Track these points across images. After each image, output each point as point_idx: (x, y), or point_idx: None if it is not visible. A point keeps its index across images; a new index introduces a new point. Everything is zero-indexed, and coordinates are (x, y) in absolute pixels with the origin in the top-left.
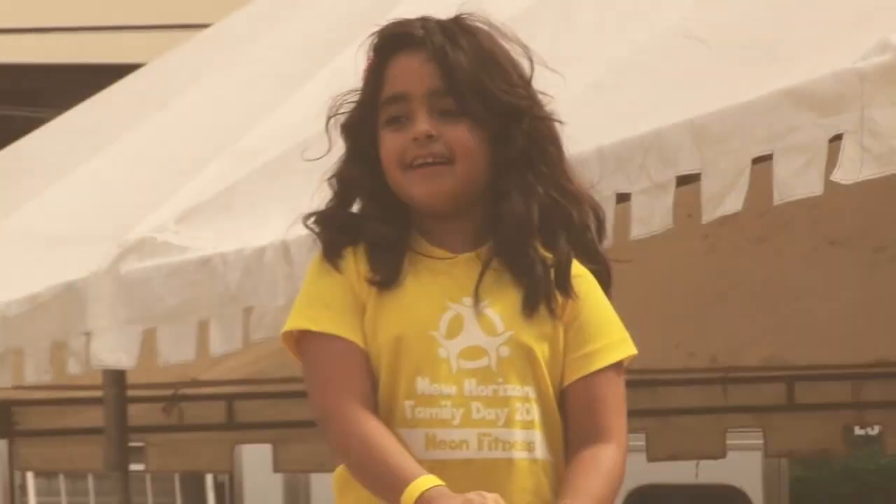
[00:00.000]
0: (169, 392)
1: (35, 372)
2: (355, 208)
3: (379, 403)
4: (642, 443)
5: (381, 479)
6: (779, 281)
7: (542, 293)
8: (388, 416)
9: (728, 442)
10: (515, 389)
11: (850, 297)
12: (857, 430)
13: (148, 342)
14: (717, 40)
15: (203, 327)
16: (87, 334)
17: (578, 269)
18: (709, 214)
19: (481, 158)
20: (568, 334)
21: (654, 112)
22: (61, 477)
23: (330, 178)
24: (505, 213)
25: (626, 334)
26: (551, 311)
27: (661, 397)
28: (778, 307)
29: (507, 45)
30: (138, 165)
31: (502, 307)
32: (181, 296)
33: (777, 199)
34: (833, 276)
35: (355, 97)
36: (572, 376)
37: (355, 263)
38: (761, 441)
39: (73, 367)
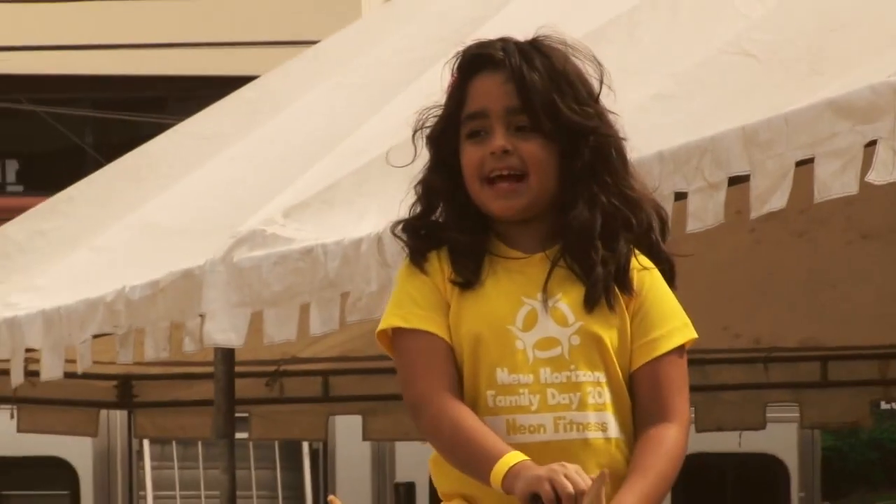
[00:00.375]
0: (272, 368)
1: (154, 349)
2: (439, 212)
3: (464, 393)
4: (692, 415)
5: (471, 459)
6: (816, 270)
7: (601, 290)
8: (472, 405)
9: (767, 415)
10: (586, 375)
11: (879, 286)
12: (884, 405)
13: (255, 323)
14: (767, 56)
15: (304, 310)
16: (202, 316)
17: (646, 263)
18: (756, 211)
19: (551, 171)
20: (634, 323)
21: (710, 120)
22: (174, 444)
23: (416, 185)
24: (572, 221)
25: (687, 320)
26: (611, 306)
27: (709, 374)
28: (815, 294)
29: (580, 63)
30: (250, 166)
31: (571, 301)
32: (286, 282)
33: (817, 197)
34: (865, 267)
35: (439, 111)
36: (639, 361)
37: (440, 265)
38: (797, 414)
39: (189, 346)
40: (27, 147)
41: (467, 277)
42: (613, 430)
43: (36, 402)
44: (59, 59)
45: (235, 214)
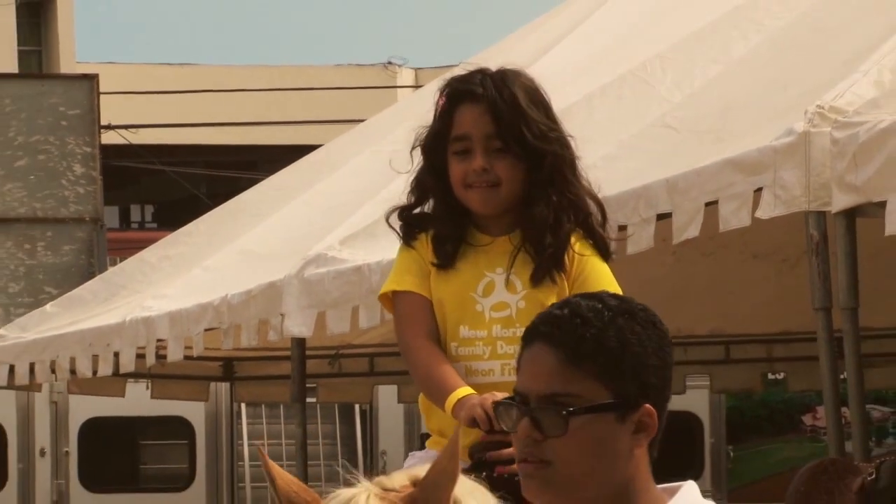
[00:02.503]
0: (332, 352)
1: (247, 339)
2: (427, 204)
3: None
4: None
5: (435, 393)
6: (720, 280)
7: (546, 268)
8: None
9: (686, 383)
10: None
11: (765, 291)
12: (770, 376)
13: (320, 320)
14: (684, 129)
15: (355, 311)
16: (282, 315)
17: (585, 252)
18: (677, 238)
19: (519, 181)
20: (572, 288)
21: (643, 174)
22: (263, 406)
23: (411, 180)
24: (532, 216)
25: (618, 289)
26: (552, 279)
27: None
28: (720, 297)
29: (544, 95)
30: (316, 209)
31: (521, 275)
32: (341, 290)
33: (721, 228)
34: (755, 277)
35: (431, 128)
36: None
37: (426, 243)
38: (708, 383)
39: (272, 336)
40: (159, 195)
41: (443, 261)
42: None
43: (164, 377)
44: (182, 133)
45: (305, 243)
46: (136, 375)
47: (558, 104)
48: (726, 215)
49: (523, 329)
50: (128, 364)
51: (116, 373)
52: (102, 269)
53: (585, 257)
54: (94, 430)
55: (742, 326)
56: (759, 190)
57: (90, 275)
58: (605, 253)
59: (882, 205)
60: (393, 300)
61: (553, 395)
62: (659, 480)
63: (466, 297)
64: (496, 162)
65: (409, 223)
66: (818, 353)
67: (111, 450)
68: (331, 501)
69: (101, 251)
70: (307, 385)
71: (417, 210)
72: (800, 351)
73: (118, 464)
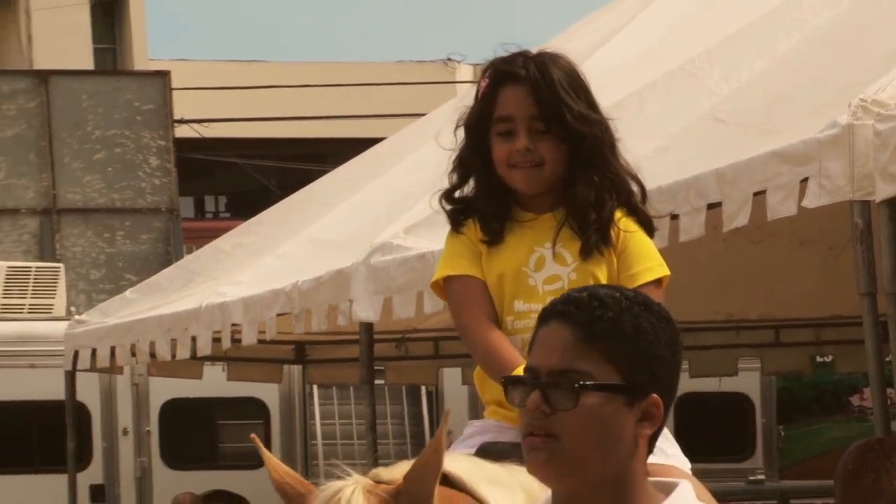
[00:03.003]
0: (399, 336)
1: (318, 323)
2: (470, 183)
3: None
4: (686, 366)
5: (495, 369)
6: (769, 267)
7: (594, 242)
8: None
9: (739, 366)
10: None
11: (812, 277)
12: (818, 358)
13: (386, 305)
14: (732, 122)
15: (419, 296)
16: (350, 301)
17: (631, 228)
18: (727, 227)
19: (560, 161)
20: (619, 261)
21: (694, 165)
22: (334, 388)
23: (454, 159)
24: (574, 194)
25: (662, 263)
26: (600, 252)
27: (699, 338)
28: (769, 283)
29: (583, 77)
30: (380, 199)
31: (570, 249)
32: (407, 277)
33: (769, 217)
34: (802, 264)
35: (473, 108)
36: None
37: (474, 227)
38: (759, 365)
39: (341, 321)
40: (232, 187)
41: (492, 237)
42: None
43: (239, 360)
44: (253, 127)
45: (372, 232)
46: (212, 358)
47: (611, 98)
48: (774, 204)
49: None
50: (204, 347)
51: (194, 356)
52: (179, 256)
53: (631, 233)
54: (174, 410)
55: (791, 311)
56: (805, 180)
57: (167, 262)
58: (649, 229)
59: None
60: (446, 286)
61: (565, 371)
62: (714, 459)
63: (520, 272)
64: (539, 143)
65: (455, 209)
66: (864, 336)
67: (190, 429)
68: (319, 494)
69: (177, 240)
70: (375, 367)
71: (459, 193)
72: (847, 335)
73: (197, 443)
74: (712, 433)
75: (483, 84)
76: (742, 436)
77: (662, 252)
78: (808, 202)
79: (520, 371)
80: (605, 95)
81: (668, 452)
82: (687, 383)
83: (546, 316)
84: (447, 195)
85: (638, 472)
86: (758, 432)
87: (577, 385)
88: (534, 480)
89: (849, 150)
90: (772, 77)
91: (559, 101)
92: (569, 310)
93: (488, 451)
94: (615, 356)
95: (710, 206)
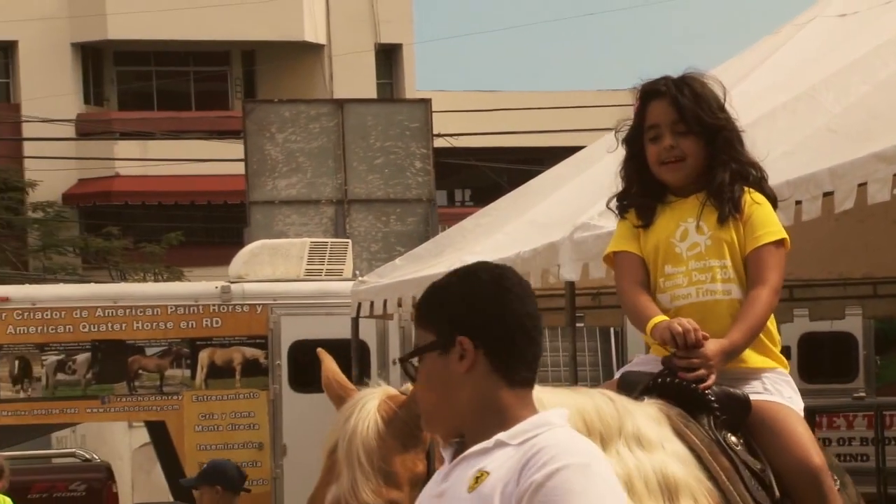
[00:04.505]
0: (594, 291)
1: (534, 282)
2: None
3: (651, 283)
4: (807, 312)
5: (640, 320)
6: (871, 238)
7: (726, 214)
8: (654, 288)
9: (846, 312)
10: (716, 262)
11: None
12: None
13: (584, 269)
14: (842, 132)
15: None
16: (558, 265)
17: (759, 200)
18: (837, 209)
19: (699, 155)
20: (746, 227)
21: (813, 164)
22: (546, 329)
23: (619, 171)
24: (712, 179)
25: (781, 229)
26: (733, 221)
27: (817, 292)
28: (870, 251)
29: (713, 88)
30: (582, 190)
31: (708, 222)
32: (600, 248)
33: (869, 202)
34: (893, 236)
35: (630, 123)
36: (748, 249)
37: (634, 214)
38: (861, 311)
39: (552, 280)
40: (474, 183)
41: (646, 222)
42: (735, 294)
43: None
44: (491, 138)
45: (575, 215)
46: None
47: (752, 116)
48: (873, 193)
49: (710, 260)
50: None
51: None
52: (434, 234)
53: (757, 204)
54: None
55: (886, 271)
56: None
57: (426, 238)
58: (773, 202)
59: None
60: (613, 258)
61: (412, 354)
62: (828, 381)
63: (668, 243)
64: (681, 141)
65: (622, 203)
66: None
67: None
68: (351, 397)
69: (433, 222)
70: (576, 314)
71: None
72: None
73: None
74: (826, 362)
75: (636, 104)
76: (848, 364)
77: (788, 230)
78: None
79: (656, 321)
80: (748, 114)
81: (784, 395)
82: (807, 325)
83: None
84: (618, 197)
85: (487, 396)
86: (860, 361)
87: (412, 362)
88: (548, 402)
89: None
90: (873, 98)
91: (694, 107)
92: (418, 307)
93: (623, 377)
94: (428, 323)
95: (825, 195)
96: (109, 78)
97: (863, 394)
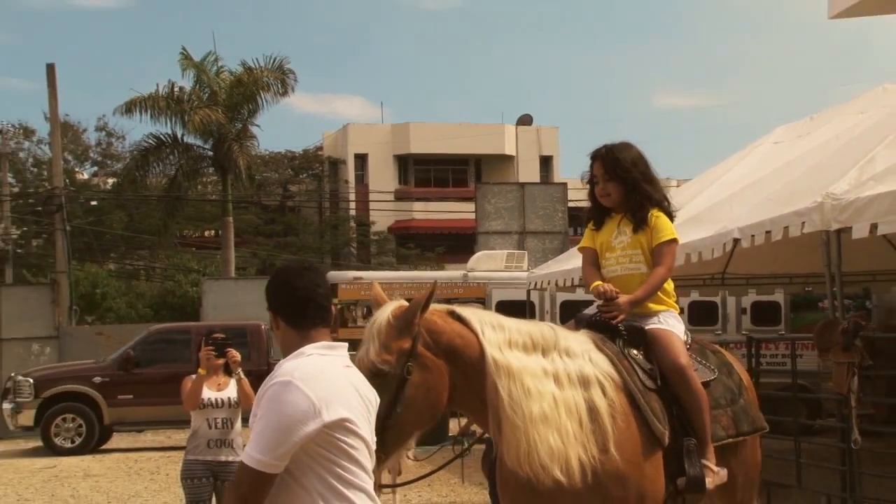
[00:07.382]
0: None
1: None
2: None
3: (599, 263)
4: (755, 290)
5: (589, 284)
6: None
7: (639, 223)
8: (600, 267)
9: (774, 290)
10: (633, 252)
11: None
12: None
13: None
14: (776, 201)
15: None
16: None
17: (657, 214)
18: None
19: (619, 192)
20: (652, 232)
21: (760, 215)
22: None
23: (589, 198)
24: (631, 205)
25: (673, 231)
26: (643, 230)
27: (762, 280)
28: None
29: (632, 151)
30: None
31: (629, 228)
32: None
33: None
34: None
35: (589, 173)
36: (653, 244)
37: (592, 223)
38: (783, 290)
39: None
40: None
41: (598, 227)
42: (643, 270)
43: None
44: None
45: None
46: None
47: (728, 192)
48: (792, 231)
49: (630, 251)
50: None
51: None
52: (566, 250)
53: (657, 218)
54: None
55: (797, 270)
56: None
57: (562, 252)
58: (671, 217)
59: None
60: (581, 251)
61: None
62: (765, 325)
63: (608, 240)
64: (608, 185)
65: (587, 217)
66: None
67: None
68: (382, 305)
69: (566, 242)
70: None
71: (590, 211)
72: None
73: None
74: (765, 316)
75: (589, 162)
76: (776, 317)
77: (747, 251)
78: None
79: (595, 285)
80: (727, 191)
81: (669, 324)
82: (755, 297)
83: None
84: (586, 213)
85: (287, 346)
86: (783, 316)
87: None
88: (528, 332)
89: None
90: (792, 185)
91: (614, 165)
92: None
93: (576, 318)
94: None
95: (767, 232)
96: (412, 171)
97: (783, 332)
